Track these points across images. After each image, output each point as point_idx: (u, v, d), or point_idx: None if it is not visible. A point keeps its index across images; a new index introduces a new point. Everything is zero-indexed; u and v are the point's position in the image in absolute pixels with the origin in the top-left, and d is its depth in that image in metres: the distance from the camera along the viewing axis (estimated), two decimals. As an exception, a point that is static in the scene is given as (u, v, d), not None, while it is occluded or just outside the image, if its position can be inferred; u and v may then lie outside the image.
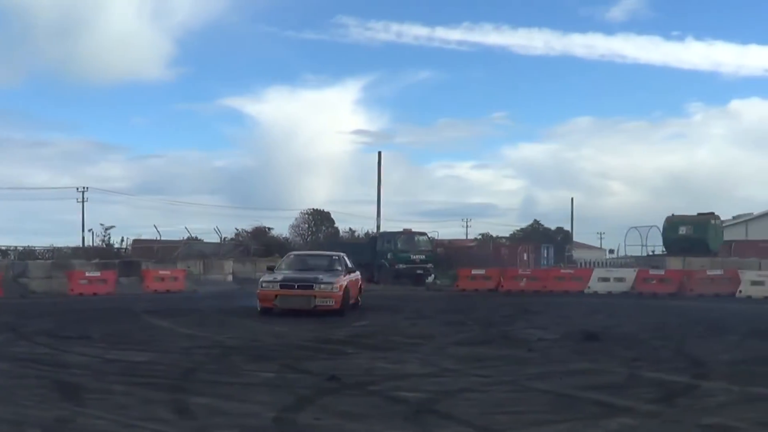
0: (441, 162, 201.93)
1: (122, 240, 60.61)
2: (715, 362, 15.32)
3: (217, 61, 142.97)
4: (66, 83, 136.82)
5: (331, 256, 29.32)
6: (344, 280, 26.07)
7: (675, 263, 47.24)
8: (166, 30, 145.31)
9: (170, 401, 11.28)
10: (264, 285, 25.77)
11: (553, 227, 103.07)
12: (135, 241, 59.95)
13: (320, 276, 25.66)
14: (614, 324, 22.49)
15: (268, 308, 25.13)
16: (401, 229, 58.52)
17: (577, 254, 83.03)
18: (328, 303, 24.77)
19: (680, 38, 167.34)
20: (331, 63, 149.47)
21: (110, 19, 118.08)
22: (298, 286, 25.10)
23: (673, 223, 54.35)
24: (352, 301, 26.71)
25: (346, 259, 28.63)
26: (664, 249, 56.33)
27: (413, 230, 57.86)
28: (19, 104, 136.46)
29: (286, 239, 77.19)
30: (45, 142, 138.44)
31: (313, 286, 24.96)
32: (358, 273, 29.35)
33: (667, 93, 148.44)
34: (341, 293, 25.08)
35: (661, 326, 22.36)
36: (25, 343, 18.40)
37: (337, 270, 26.95)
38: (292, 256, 30.39)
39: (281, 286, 25.21)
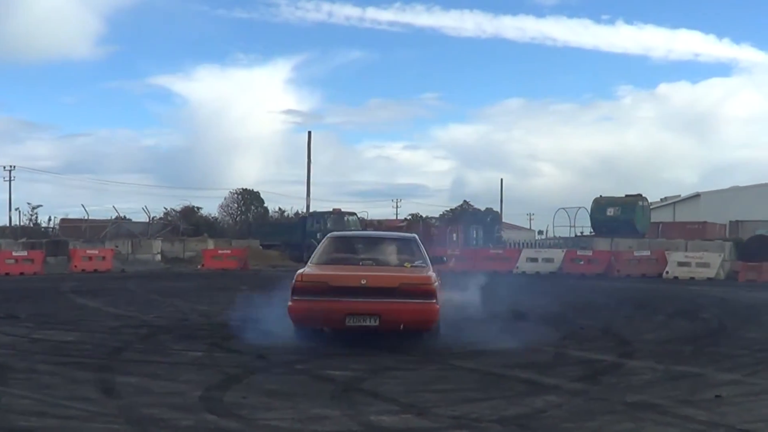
0: (371, 142, 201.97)
1: (50, 219, 60.07)
2: (640, 341, 15.54)
3: (147, 40, 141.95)
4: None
5: None
6: None
7: (603, 244, 47.68)
8: (95, 8, 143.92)
9: (97, 381, 11.23)
10: None
11: (482, 208, 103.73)
12: (63, 220, 59.34)
13: None
14: (542, 304, 22.65)
15: None
16: (331, 210, 58.63)
17: (506, 235, 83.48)
18: None
19: (610, 22, 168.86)
20: (261, 42, 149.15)
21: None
22: None
23: (601, 204, 54.78)
24: None
25: None
26: (592, 230, 56.80)
27: (343, 210, 57.97)
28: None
29: (216, 219, 76.99)
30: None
31: None
32: None
33: (597, 76, 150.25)
34: None
35: (588, 306, 22.59)
36: (-50, 323, 18.18)
37: None
38: None
39: None
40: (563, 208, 62.55)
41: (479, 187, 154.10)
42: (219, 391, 10.47)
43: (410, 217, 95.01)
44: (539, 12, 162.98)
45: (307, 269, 15.23)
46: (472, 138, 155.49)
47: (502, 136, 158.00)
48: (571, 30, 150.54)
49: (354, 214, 58.14)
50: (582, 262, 41.79)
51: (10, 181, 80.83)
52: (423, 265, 15.78)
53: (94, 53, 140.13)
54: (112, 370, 11.97)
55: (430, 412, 9.44)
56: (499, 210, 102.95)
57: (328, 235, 17.58)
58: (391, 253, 16.51)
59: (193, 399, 10.02)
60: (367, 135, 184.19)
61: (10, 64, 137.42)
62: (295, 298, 14.38)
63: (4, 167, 79.99)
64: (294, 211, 79.59)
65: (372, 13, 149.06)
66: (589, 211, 56.21)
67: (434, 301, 14.35)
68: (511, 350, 14.06)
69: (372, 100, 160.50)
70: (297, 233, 55.51)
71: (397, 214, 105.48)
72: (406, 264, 15.83)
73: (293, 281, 14.50)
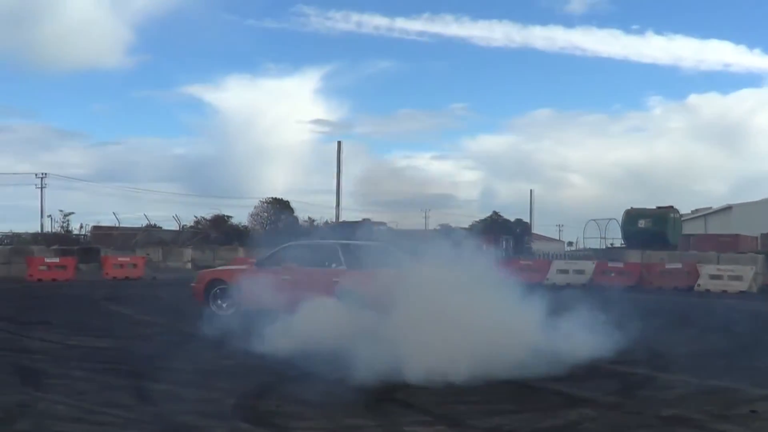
0: (401, 152, 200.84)
1: (81, 226, 60.22)
2: (674, 354, 15.43)
3: (177, 49, 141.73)
4: (25, 70, 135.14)
5: None
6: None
7: (634, 256, 47.45)
8: (126, 17, 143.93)
9: (131, 387, 11.30)
10: None
11: (512, 219, 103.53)
12: (94, 227, 59.54)
13: None
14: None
15: None
16: (361, 219, 58.70)
17: (536, 246, 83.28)
18: None
19: (640, 32, 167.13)
20: (291, 52, 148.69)
21: (69, 5, 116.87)
22: None
23: (632, 216, 54.61)
24: None
25: None
26: (623, 242, 56.60)
27: (373, 220, 58.01)
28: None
29: (246, 227, 77.13)
30: (4, 128, 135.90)
31: None
32: None
33: (627, 86, 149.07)
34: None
35: (620, 319, 22.45)
36: (-16, 329, 18.34)
37: None
38: None
39: None
40: (594, 220, 62.45)
41: (509, 197, 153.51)
42: (253, 399, 10.52)
43: (440, 227, 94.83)
44: (568, 22, 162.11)
45: None
46: (502, 148, 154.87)
47: (532, 146, 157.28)
48: (601, 40, 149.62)
49: (384, 223, 58.13)
50: (613, 274, 41.57)
51: (42, 188, 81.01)
52: None
53: (125, 62, 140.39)
54: (146, 377, 12.00)
55: (464, 423, 9.44)
56: (528, 221, 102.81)
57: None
58: None
59: (227, 407, 10.07)
60: (396, 145, 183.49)
61: (42, 73, 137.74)
62: None
63: (37, 175, 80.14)
64: (324, 220, 79.69)
65: (401, 23, 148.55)
66: (620, 222, 56.05)
67: None
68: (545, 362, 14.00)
69: (401, 110, 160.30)
70: (327, 243, 55.55)
71: (426, 224, 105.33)
72: None
73: None
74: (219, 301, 21.06)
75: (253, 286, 18.87)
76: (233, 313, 19.96)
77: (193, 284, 22.38)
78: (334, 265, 20.24)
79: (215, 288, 21.27)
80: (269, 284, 18.52)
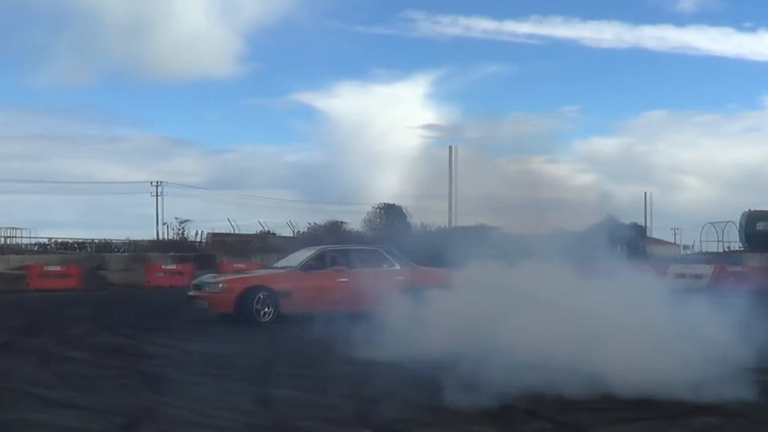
0: (512, 156, 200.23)
1: (197, 233, 61.02)
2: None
3: (287, 57, 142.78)
4: (139, 80, 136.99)
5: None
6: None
7: (754, 259, 46.50)
8: (235, 27, 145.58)
9: (251, 392, 11.37)
10: None
11: (627, 222, 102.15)
12: (211, 234, 60.28)
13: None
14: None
15: None
16: (475, 224, 58.40)
17: (652, 250, 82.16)
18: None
19: (753, 29, 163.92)
20: (400, 58, 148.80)
21: (180, 17, 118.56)
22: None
23: (751, 218, 53.55)
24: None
25: None
26: (741, 245, 55.55)
27: (486, 225, 57.69)
28: (93, 101, 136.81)
29: (359, 233, 77.32)
30: (120, 137, 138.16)
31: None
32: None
33: (741, 85, 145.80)
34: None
35: (744, 324, 22.01)
36: (107, 334, 18.73)
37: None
38: None
39: None
40: (711, 223, 61.34)
41: (622, 201, 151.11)
42: (373, 405, 10.49)
43: (554, 231, 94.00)
44: (679, 21, 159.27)
45: None
46: (615, 150, 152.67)
47: (645, 148, 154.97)
48: (713, 39, 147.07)
49: (498, 228, 57.81)
50: (732, 279, 40.78)
51: (158, 196, 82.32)
52: None
53: (236, 71, 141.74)
54: (266, 383, 12.10)
55: (587, 431, 9.30)
56: (644, 224, 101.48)
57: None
58: None
59: (348, 413, 10.07)
60: (507, 149, 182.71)
61: (155, 83, 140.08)
62: None
63: (152, 183, 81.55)
64: (437, 225, 79.46)
65: (509, 26, 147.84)
66: (738, 225, 55.02)
67: None
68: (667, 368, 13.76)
69: (511, 114, 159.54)
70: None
71: (539, 229, 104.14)
72: None
73: None
74: (263, 309, 20.84)
75: (323, 291, 20.28)
76: (271, 320, 20.73)
77: (215, 293, 21.12)
78: (385, 266, 22.12)
79: (257, 295, 20.82)
80: (333, 287, 19.15)
